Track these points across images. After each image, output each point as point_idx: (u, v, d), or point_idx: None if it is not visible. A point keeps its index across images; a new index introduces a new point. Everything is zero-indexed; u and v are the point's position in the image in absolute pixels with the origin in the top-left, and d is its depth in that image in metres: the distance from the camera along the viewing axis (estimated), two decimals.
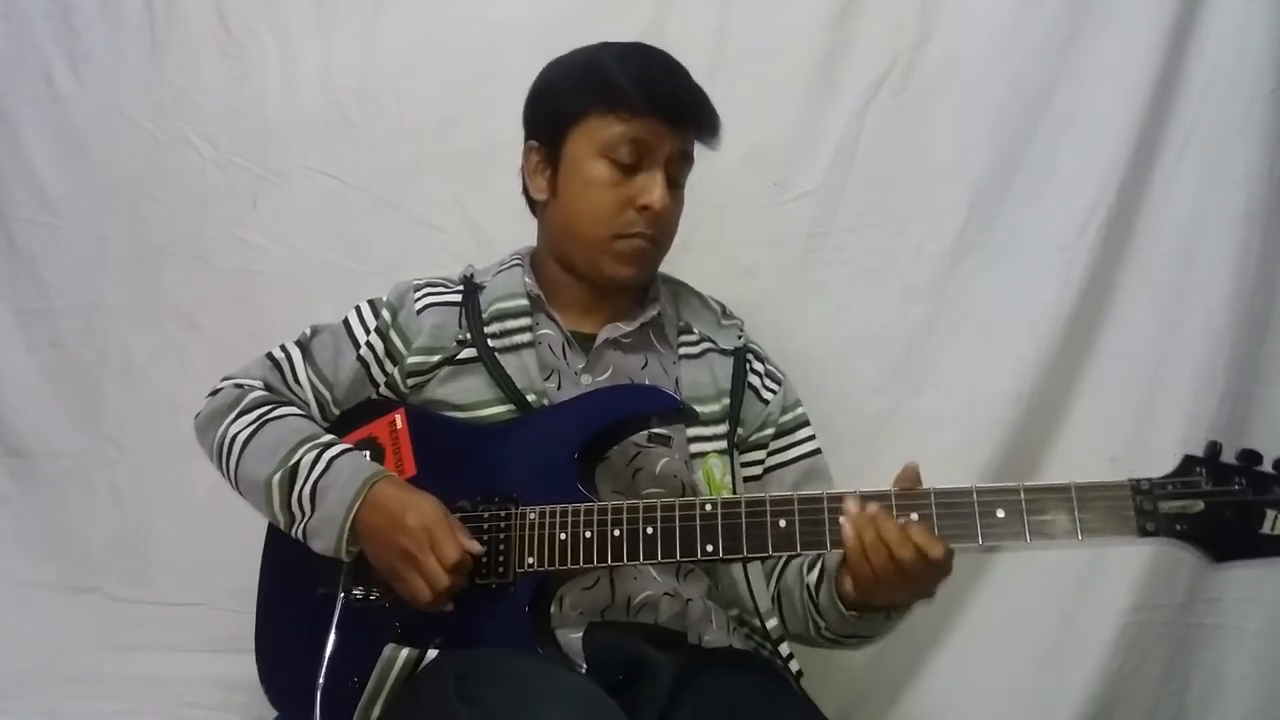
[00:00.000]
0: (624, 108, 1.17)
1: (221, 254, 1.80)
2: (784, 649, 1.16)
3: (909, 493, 0.99)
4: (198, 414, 1.26)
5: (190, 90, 1.82)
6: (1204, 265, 1.51)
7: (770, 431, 1.27)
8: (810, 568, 1.16)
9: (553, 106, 1.23)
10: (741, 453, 1.25)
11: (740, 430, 1.24)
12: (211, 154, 1.81)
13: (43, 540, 1.78)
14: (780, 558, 1.22)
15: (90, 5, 1.84)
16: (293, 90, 1.80)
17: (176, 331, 1.80)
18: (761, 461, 1.27)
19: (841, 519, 0.98)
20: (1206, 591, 1.53)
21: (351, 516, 1.09)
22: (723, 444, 1.19)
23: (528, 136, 1.27)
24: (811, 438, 1.30)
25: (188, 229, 1.81)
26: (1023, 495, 0.95)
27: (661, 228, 1.22)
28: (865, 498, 0.99)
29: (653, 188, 1.18)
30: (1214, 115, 1.52)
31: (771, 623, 1.16)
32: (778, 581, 1.22)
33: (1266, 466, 0.91)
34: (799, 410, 1.31)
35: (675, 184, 1.22)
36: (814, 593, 1.14)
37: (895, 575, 0.96)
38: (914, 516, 0.97)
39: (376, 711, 1.04)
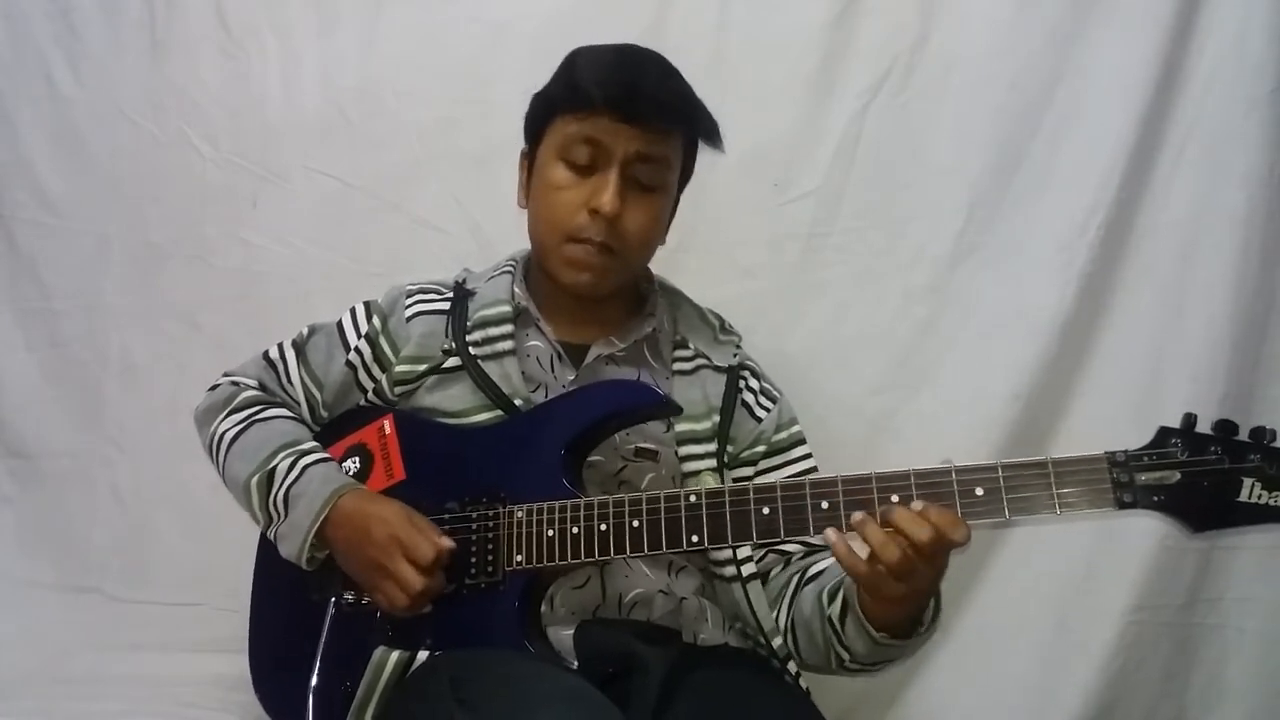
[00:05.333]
0: (581, 106, 1.13)
1: (221, 254, 1.80)
2: (791, 667, 1.15)
3: (889, 475, 0.97)
4: (197, 407, 1.27)
5: (190, 90, 1.82)
6: (1204, 265, 1.51)
7: (761, 449, 1.25)
8: (831, 599, 1.11)
9: (535, 109, 1.23)
10: (731, 469, 1.23)
11: (731, 448, 1.22)
12: (211, 154, 1.81)
13: (43, 540, 1.79)
14: (791, 583, 1.19)
15: (90, 5, 1.84)
16: (293, 90, 1.80)
17: (176, 331, 1.81)
18: (750, 479, 1.23)
19: (833, 539, 0.96)
20: (1207, 591, 1.53)
21: (316, 527, 1.10)
22: (714, 462, 1.18)
23: (525, 139, 1.26)
24: (807, 456, 1.28)
25: (188, 229, 1.82)
26: (1000, 473, 0.94)
27: (618, 236, 1.16)
28: (847, 481, 0.98)
29: (603, 189, 1.13)
30: (1214, 115, 1.51)
31: (777, 641, 1.15)
32: (790, 610, 1.17)
33: (1243, 436, 0.91)
34: (794, 429, 1.29)
35: (643, 188, 1.17)
36: (838, 624, 1.09)
37: (911, 567, 0.94)
38: (894, 498, 0.96)
39: (369, 715, 1.04)
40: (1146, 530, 1.50)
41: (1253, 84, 1.49)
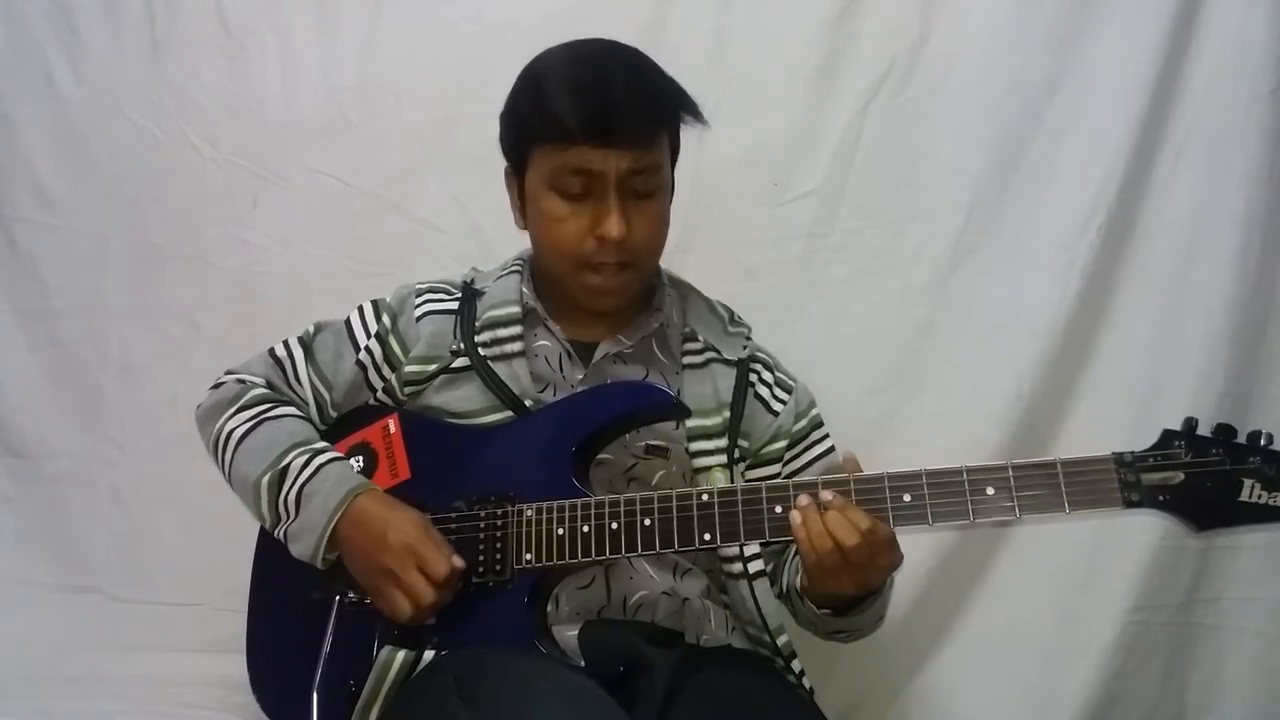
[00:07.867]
0: (560, 137, 1.11)
1: (221, 254, 1.80)
2: (795, 665, 1.16)
3: (901, 475, 0.99)
4: (199, 405, 1.26)
5: (190, 90, 1.82)
6: (1204, 265, 1.51)
7: (783, 444, 1.25)
8: (798, 572, 1.14)
9: (511, 135, 1.20)
10: (754, 467, 1.23)
11: (745, 443, 1.22)
12: (211, 154, 1.81)
13: (43, 540, 1.78)
14: (792, 550, 1.21)
15: (90, 5, 1.84)
16: (293, 90, 1.80)
17: (176, 331, 1.80)
18: (779, 475, 1.24)
19: (792, 510, 1.00)
20: (1206, 591, 1.54)
21: (331, 526, 1.09)
22: (724, 458, 1.18)
23: (505, 158, 1.24)
24: (825, 437, 1.29)
25: (188, 229, 1.81)
26: (1011, 472, 0.97)
27: (630, 250, 1.15)
28: (859, 481, 1.01)
29: (606, 217, 1.12)
30: (1214, 115, 1.52)
31: (782, 639, 1.16)
32: (785, 578, 1.21)
33: (1242, 439, 0.94)
34: (813, 413, 1.29)
35: (642, 195, 1.15)
36: (800, 596, 1.15)
37: (841, 562, 0.98)
38: (906, 497, 0.99)
39: (374, 714, 1.04)
40: (1146, 530, 1.50)
41: (1253, 84, 1.49)
